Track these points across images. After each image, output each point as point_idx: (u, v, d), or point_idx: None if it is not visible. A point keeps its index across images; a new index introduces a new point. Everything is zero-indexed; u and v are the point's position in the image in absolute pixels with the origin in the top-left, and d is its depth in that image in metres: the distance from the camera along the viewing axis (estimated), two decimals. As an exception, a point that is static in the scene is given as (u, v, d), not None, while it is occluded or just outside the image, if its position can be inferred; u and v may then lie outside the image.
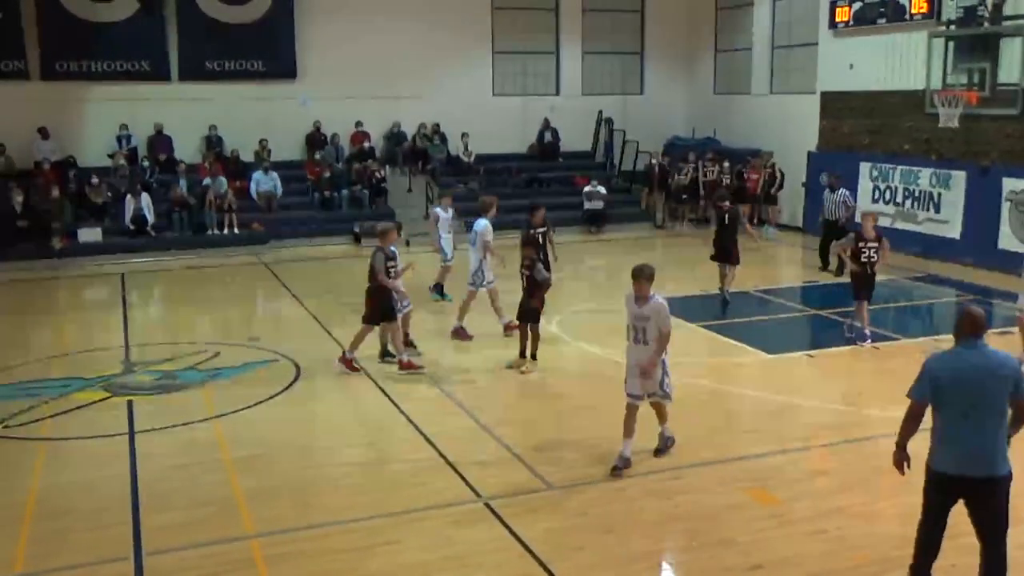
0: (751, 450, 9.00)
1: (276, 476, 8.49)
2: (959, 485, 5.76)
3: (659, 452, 8.72)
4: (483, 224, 12.78)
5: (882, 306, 13.28)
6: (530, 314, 11.60)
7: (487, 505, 7.74)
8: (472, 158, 24.82)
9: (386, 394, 10.70)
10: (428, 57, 24.33)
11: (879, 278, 13.09)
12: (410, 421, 9.80)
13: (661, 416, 8.67)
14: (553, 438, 9.44)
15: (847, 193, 17.89)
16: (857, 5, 20.74)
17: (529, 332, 11.59)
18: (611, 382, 9.34)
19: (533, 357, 11.55)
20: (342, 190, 22.93)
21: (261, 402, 10.47)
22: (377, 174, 23.39)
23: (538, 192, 23.48)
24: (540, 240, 12.47)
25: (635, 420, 8.39)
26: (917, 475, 8.32)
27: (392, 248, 11.41)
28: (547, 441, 9.35)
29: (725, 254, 14.89)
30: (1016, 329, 11.66)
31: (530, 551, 6.94)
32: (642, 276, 8.27)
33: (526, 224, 12.82)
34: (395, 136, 24.86)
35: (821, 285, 16.97)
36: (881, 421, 9.71)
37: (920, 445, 5.95)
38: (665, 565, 7.05)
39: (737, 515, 7.55)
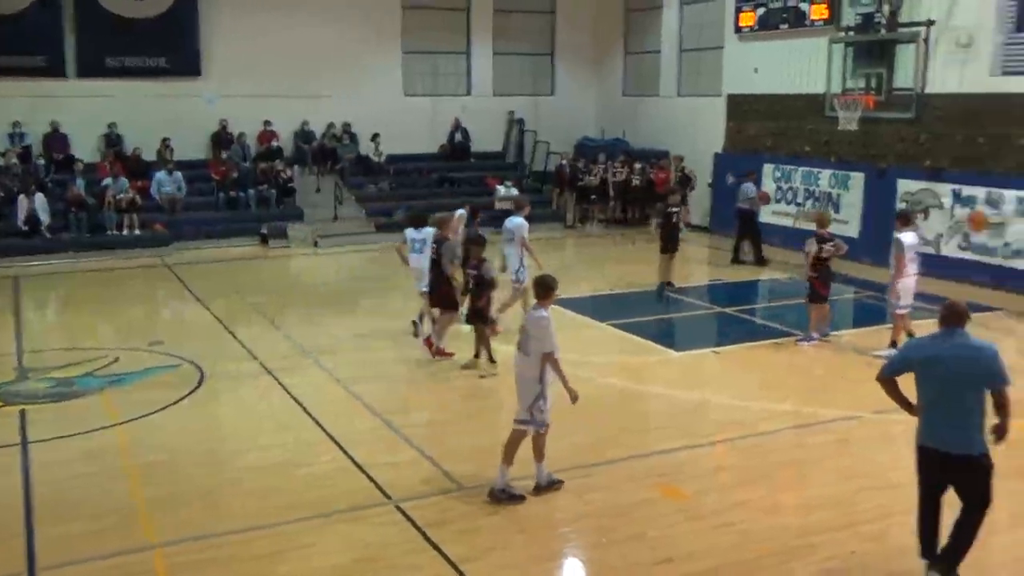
0: (660, 446, 9.14)
1: (181, 482, 8.26)
2: (939, 460, 6.11)
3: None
4: (518, 221, 13.24)
5: (783, 303, 13.64)
6: (478, 314, 11.54)
7: (398, 507, 7.67)
8: (383, 158, 24.61)
9: (293, 396, 10.52)
10: (338, 56, 24.01)
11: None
12: (317, 423, 9.66)
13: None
14: (464, 439, 9.40)
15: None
16: (761, 11, 21.27)
17: (476, 333, 11.57)
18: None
19: (491, 360, 11.47)
20: (248, 190, 22.48)
21: (164, 407, 10.16)
22: (284, 174, 23.02)
23: (449, 192, 23.42)
24: (485, 240, 12.45)
25: None
26: (815, 468, 8.61)
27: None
28: (458, 442, 9.31)
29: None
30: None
31: (441, 552, 6.90)
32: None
33: (471, 225, 13.01)
34: (303, 135, 24.51)
35: (726, 283, 17.37)
36: (781, 415, 9.99)
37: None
38: (576, 563, 7.09)
39: (647, 511, 7.65)
